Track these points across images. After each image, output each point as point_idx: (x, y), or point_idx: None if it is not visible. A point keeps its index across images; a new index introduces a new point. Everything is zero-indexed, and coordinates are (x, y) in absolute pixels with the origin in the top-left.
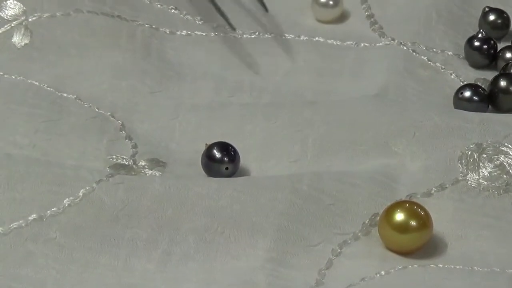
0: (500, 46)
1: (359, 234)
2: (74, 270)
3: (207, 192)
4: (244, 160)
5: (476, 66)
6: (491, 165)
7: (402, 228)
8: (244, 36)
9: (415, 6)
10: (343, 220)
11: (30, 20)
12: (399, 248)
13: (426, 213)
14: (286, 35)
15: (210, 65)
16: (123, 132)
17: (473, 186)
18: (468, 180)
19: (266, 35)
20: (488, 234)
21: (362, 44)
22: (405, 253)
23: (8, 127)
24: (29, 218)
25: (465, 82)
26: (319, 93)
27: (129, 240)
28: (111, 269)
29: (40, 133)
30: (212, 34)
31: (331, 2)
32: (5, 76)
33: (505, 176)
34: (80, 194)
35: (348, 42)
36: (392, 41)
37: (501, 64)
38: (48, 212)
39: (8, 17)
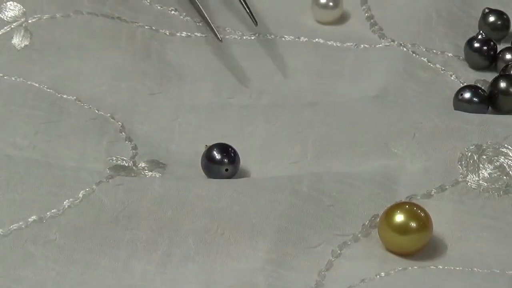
0: (500, 47)
1: (359, 235)
2: (74, 271)
3: (207, 193)
4: (244, 161)
5: (476, 67)
6: (491, 167)
7: (402, 229)
8: (244, 37)
9: (415, 8)
10: (343, 221)
11: (30, 21)
12: (399, 249)
13: (426, 215)
14: (286, 36)
15: (209, 67)
16: (123, 133)
17: (473, 188)
18: (468, 181)
19: (266, 36)
20: (488, 236)
21: (362, 46)
22: (405, 255)
23: (8, 128)
24: (29, 219)
25: (465, 84)
26: (319, 94)
27: (129, 242)
28: (111, 271)
29: (40, 134)
30: (212, 35)
31: (331, 3)
32: (5, 77)
33: (505, 177)
34: (80, 195)
35: (348, 43)
36: (392, 43)
37: (501, 65)
38: (48, 213)
39: (8, 18)
